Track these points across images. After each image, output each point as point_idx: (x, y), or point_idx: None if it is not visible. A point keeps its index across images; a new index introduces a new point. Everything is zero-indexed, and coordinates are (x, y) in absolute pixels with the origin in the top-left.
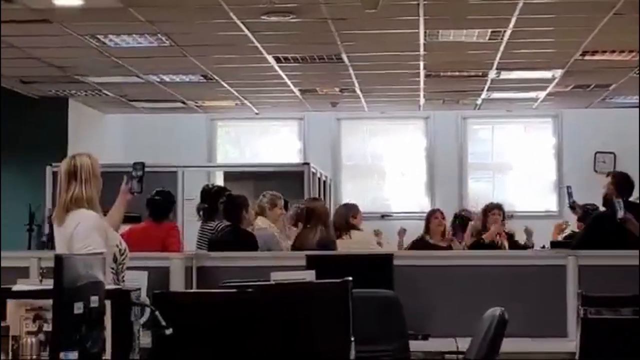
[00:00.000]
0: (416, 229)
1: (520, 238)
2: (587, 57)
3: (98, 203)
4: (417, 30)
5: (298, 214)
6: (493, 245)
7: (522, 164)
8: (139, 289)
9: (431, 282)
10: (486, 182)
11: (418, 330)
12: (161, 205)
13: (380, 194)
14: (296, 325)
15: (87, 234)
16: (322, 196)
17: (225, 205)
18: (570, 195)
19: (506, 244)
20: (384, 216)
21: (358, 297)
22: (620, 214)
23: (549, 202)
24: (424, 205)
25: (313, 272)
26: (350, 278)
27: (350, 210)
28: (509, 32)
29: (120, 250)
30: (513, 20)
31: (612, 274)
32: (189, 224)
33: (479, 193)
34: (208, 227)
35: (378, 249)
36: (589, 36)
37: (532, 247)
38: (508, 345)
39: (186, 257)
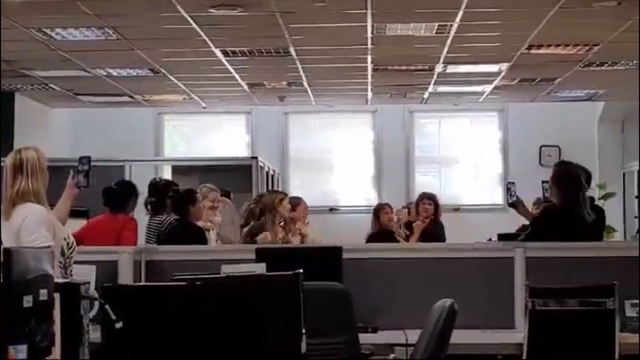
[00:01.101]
0: (364, 222)
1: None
2: (532, 51)
3: (45, 197)
4: (364, 24)
5: (250, 213)
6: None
7: (469, 157)
8: (88, 282)
9: (380, 274)
10: (433, 176)
11: (367, 323)
12: (118, 196)
13: (328, 188)
14: (247, 318)
15: (34, 228)
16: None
17: (173, 200)
18: (511, 192)
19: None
20: (331, 209)
21: (308, 289)
22: (510, 199)
23: (495, 195)
24: (371, 198)
25: (263, 265)
26: (301, 270)
27: (292, 200)
28: (455, 25)
29: (68, 244)
30: (460, 14)
31: (559, 266)
32: (137, 217)
33: (426, 186)
34: (156, 221)
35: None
36: (534, 30)
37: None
38: (457, 336)
39: (135, 251)
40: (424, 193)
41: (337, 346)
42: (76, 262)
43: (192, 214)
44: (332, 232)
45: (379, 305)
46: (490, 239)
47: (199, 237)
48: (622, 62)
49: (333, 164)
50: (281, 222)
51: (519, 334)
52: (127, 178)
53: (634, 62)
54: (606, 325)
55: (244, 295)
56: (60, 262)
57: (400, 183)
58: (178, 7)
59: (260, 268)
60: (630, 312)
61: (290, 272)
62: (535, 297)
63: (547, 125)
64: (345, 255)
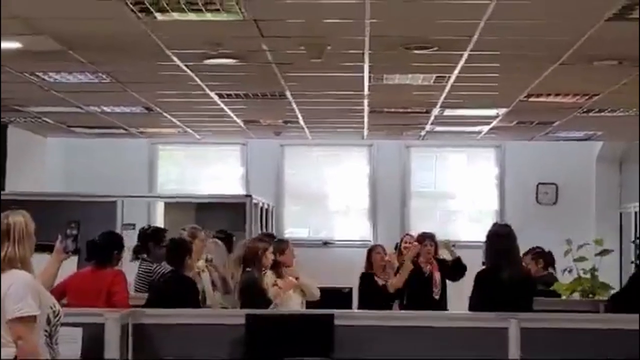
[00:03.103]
0: (358, 257)
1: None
2: (531, 99)
3: (31, 263)
4: (361, 74)
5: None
6: (422, 274)
7: (465, 192)
8: None
9: (372, 342)
10: (429, 211)
11: None
12: (103, 250)
13: (323, 221)
14: None
15: (20, 296)
16: (263, 226)
17: (170, 251)
18: None
19: (437, 275)
20: (325, 243)
21: None
22: None
23: None
24: (366, 232)
25: None
26: None
27: (279, 245)
28: (453, 77)
29: (54, 312)
30: (457, 68)
31: (554, 337)
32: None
33: (422, 221)
34: (146, 270)
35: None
36: (533, 82)
37: (459, 258)
38: None
39: (122, 315)
40: (424, 233)
41: None
42: (62, 324)
43: (187, 266)
44: (325, 267)
45: None
46: None
47: (193, 291)
48: (622, 109)
49: (328, 197)
50: (264, 271)
51: None
52: (119, 214)
53: (634, 110)
54: None
55: None
56: (46, 331)
57: (395, 217)
58: (173, 57)
59: None
60: None
61: None
62: None
63: (545, 162)
64: (337, 322)
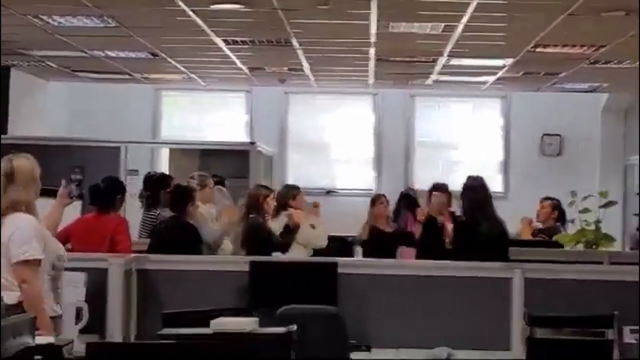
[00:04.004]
0: (361, 206)
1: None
2: (539, 50)
3: (36, 207)
4: (367, 22)
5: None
6: (435, 226)
7: (470, 143)
8: (72, 340)
9: (375, 290)
10: (433, 160)
11: (361, 340)
12: (106, 194)
13: (326, 170)
14: None
15: (25, 240)
16: (267, 173)
17: (172, 197)
18: None
19: (449, 226)
20: (329, 192)
21: (301, 314)
22: None
23: (496, 182)
24: (369, 182)
25: (255, 320)
26: (295, 327)
27: (290, 191)
28: (461, 26)
29: (58, 256)
30: (466, 16)
31: (558, 288)
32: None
33: (425, 171)
34: (150, 216)
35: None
36: (541, 33)
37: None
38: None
39: (126, 261)
40: (437, 183)
41: None
42: (66, 269)
43: (189, 214)
44: (328, 215)
45: (373, 323)
46: None
47: (194, 237)
48: (629, 61)
49: (332, 145)
50: (267, 217)
51: (514, 356)
52: (122, 159)
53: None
54: (604, 356)
55: (234, 356)
56: (50, 275)
57: (398, 167)
58: (179, 2)
59: (251, 324)
60: (629, 338)
61: (281, 331)
62: (533, 325)
63: (550, 114)
64: (340, 270)
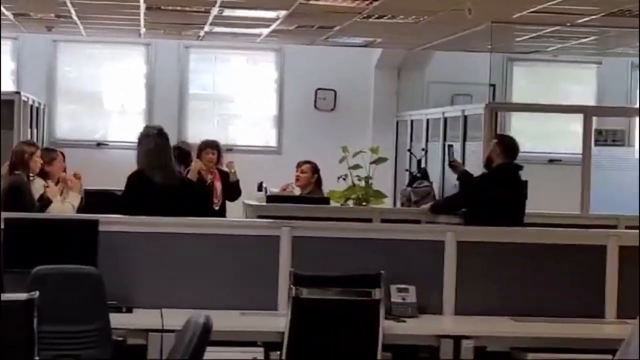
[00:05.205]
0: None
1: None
2: (311, 2)
3: None
4: None
5: None
6: (203, 186)
7: (244, 97)
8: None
9: (138, 249)
10: (208, 114)
11: (122, 302)
12: None
13: (98, 121)
14: None
15: None
16: (34, 126)
17: None
18: (451, 153)
19: (218, 185)
20: (99, 144)
21: (59, 274)
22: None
23: (269, 137)
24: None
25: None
26: (37, 294)
27: (47, 154)
28: None
29: None
30: None
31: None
32: None
33: (200, 124)
34: None
35: None
36: None
37: (237, 181)
38: (216, 321)
39: None
40: (206, 141)
41: (88, 334)
42: None
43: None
44: (99, 169)
45: (135, 282)
46: (261, 183)
47: None
48: (401, 16)
49: (104, 96)
50: (33, 177)
51: (282, 319)
52: None
53: (413, 17)
54: (371, 316)
55: None
56: None
57: (172, 120)
58: None
59: None
60: (395, 297)
61: (22, 297)
62: (299, 285)
63: (324, 68)
64: (101, 228)
